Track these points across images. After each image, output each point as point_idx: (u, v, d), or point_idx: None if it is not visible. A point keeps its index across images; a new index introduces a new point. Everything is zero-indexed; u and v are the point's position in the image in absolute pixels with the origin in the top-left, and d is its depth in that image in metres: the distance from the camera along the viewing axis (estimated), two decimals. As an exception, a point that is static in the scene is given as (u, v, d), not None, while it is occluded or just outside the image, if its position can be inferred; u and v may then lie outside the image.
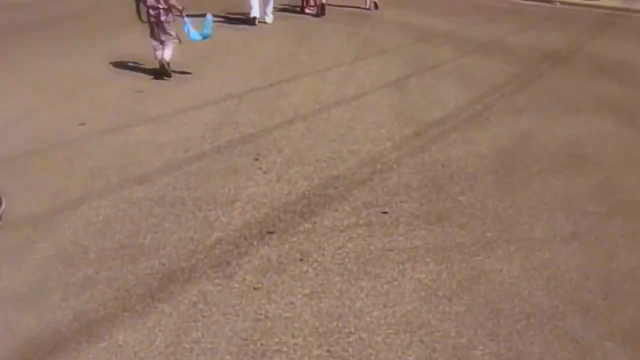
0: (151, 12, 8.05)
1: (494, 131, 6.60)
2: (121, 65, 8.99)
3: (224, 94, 7.58)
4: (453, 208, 4.82)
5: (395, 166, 5.55)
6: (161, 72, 8.15)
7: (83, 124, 6.28)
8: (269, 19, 13.11)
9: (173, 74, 8.25)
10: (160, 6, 8.02)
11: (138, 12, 8.14)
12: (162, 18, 8.04)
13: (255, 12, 12.79)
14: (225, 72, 8.76)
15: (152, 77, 8.22)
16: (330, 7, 15.25)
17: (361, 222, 4.53)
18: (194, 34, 8.38)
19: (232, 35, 11.70)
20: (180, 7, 8.18)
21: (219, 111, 6.89)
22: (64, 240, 4.12)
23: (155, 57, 8.17)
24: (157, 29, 8.09)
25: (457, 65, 9.66)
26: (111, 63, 9.08)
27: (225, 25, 12.81)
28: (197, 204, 4.66)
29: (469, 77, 8.90)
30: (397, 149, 5.96)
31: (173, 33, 8.15)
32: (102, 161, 5.37)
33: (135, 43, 10.41)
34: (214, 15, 10.46)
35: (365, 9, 16.32)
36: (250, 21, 12.58)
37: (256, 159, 5.55)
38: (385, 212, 4.67)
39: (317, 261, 4.01)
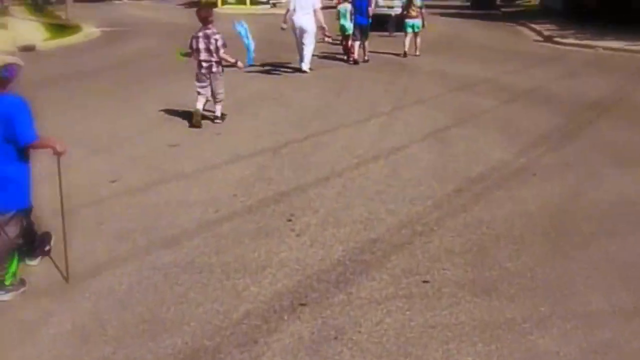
0: (204, 64, 8.26)
1: (541, 188, 6.15)
2: (157, 117, 8.87)
3: (259, 147, 7.33)
4: (500, 277, 4.38)
5: (436, 228, 5.15)
6: (194, 121, 8.23)
7: (115, 181, 6.07)
8: (305, 66, 13.01)
9: (208, 124, 8.11)
10: (213, 59, 8.23)
11: (188, 54, 8.46)
12: (214, 70, 8.27)
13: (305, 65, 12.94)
14: (260, 123, 8.54)
15: (188, 125, 8.09)
16: (370, 53, 15.16)
17: (400, 292, 4.12)
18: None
19: (268, 85, 11.57)
20: (232, 60, 8.42)
21: (253, 166, 6.62)
22: (82, 313, 3.81)
23: (197, 100, 8.32)
24: (209, 82, 8.32)
25: (499, 115, 9.26)
26: (147, 115, 8.97)
27: (262, 75, 12.72)
28: (225, 271, 4.33)
29: (512, 127, 8.49)
30: (437, 208, 5.56)
31: (223, 89, 8.42)
32: (131, 222, 5.11)
33: (171, 95, 10.36)
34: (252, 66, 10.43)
35: (403, 55, 16.21)
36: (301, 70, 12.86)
37: (289, 220, 5.22)
38: (426, 282, 4.26)
39: (352, 340, 3.61)
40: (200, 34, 8.23)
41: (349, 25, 14.22)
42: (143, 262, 4.42)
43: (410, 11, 15.79)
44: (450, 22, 31.41)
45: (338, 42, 15.83)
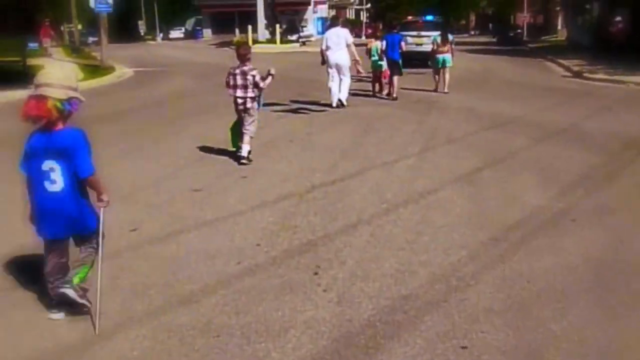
0: (239, 100, 8.33)
1: (582, 236, 5.68)
2: (185, 159, 8.64)
3: (285, 191, 7.00)
4: (546, 341, 3.92)
5: (472, 282, 4.72)
6: (242, 159, 8.35)
7: (135, 229, 5.78)
8: (344, 98, 13.13)
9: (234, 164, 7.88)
10: (248, 95, 8.28)
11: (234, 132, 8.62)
12: (248, 105, 8.31)
13: (334, 99, 13.08)
14: (287, 165, 8.24)
15: (213, 175, 7.82)
16: (400, 90, 14.92)
17: (436, 360, 3.70)
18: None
19: (295, 125, 11.32)
20: (269, 81, 8.38)
21: (278, 213, 6.28)
22: (90, 384, 3.48)
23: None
24: (243, 118, 8.38)
25: (533, 155, 8.82)
26: (175, 157, 8.75)
27: (289, 114, 12.50)
28: (245, 334, 3.95)
29: (547, 168, 8.04)
30: (473, 260, 5.13)
31: (254, 126, 8.45)
32: (148, 277, 4.78)
33: (201, 135, 10.17)
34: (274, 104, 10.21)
35: (434, 89, 16.12)
36: (331, 105, 12.98)
37: (315, 273, 4.84)
38: (464, 347, 3.82)
39: (383, 418, 3.20)
40: (237, 70, 8.28)
41: (380, 62, 14.56)
42: (158, 324, 4.07)
43: (441, 46, 15.83)
44: (477, 59, 31.12)
45: (369, 79, 15.80)
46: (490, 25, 78.21)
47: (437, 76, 15.94)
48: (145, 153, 9.15)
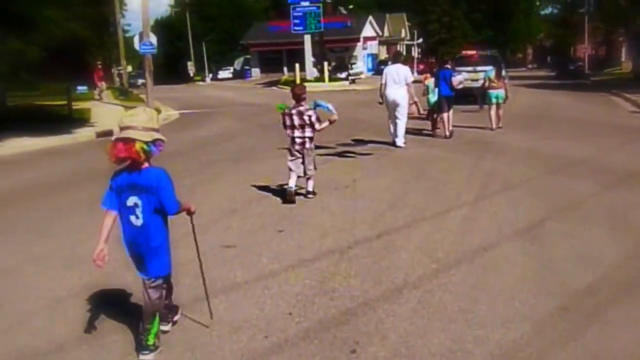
0: (297, 140, 8.44)
1: (669, 305, 5.00)
2: (222, 208, 8.30)
3: (323, 248, 6.53)
4: None
5: (538, 365, 4.11)
6: (288, 198, 8.44)
7: (157, 294, 5.40)
8: (400, 141, 13.14)
9: (278, 214, 7.46)
10: (306, 135, 8.43)
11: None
12: (307, 146, 8.46)
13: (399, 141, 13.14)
14: (327, 217, 7.78)
15: (281, 202, 7.51)
16: (454, 128, 14.43)
17: None
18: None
19: (340, 171, 10.90)
20: (327, 123, 8.55)
21: (315, 274, 5.80)
22: None
23: (289, 177, 8.55)
24: (302, 158, 8.49)
25: (603, 204, 8.11)
26: (212, 205, 8.42)
27: (335, 158, 12.11)
28: None
29: (621, 220, 7.33)
30: (537, 334, 4.51)
31: (313, 165, 8.65)
32: (166, 355, 4.35)
33: (243, 180, 9.86)
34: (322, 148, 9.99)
35: (491, 129, 15.78)
36: (394, 144, 13.12)
37: (353, 351, 4.32)
38: None
39: None
40: (294, 111, 8.41)
41: (435, 99, 14.70)
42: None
43: (493, 82, 15.87)
44: (536, 94, 30.30)
45: (424, 116, 15.77)
46: (549, 58, 76.97)
47: (492, 113, 15.84)
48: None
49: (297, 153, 8.46)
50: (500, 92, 15.73)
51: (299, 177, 8.59)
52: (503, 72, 15.98)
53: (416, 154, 12.49)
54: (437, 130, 15.02)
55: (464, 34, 73.84)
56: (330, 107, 8.51)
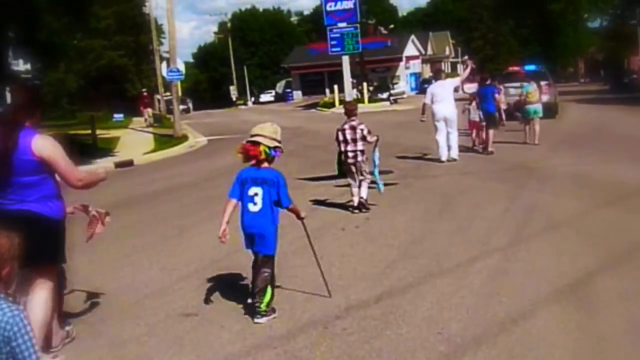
0: (350, 154, 8.77)
1: None
2: (191, 266, 6.91)
3: (304, 318, 5.05)
4: None
5: None
6: (360, 207, 8.82)
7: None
8: (454, 153, 13.17)
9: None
10: (358, 148, 8.73)
11: (339, 162, 9.01)
12: (359, 158, 8.76)
13: (443, 154, 13.05)
14: (320, 272, 6.28)
15: (219, 289, 6.03)
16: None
17: None
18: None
19: (346, 211, 9.36)
20: (374, 138, 8.84)
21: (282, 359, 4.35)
22: None
23: (352, 194, 8.96)
24: (354, 171, 8.83)
25: (673, 250, 6.40)
26: (178, 261, 7.04)
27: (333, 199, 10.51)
28: None
29: (698, 274, 5.62)
30: None
31: (368, 171, 8.93)
32: None
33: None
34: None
35: (523, 143, 15.37)
36: (440, 160, 13.05)
37: None
38: None
39: None
40: (346, 126, 8.82)
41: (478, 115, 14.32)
42: None
43: (530, 96, 15.52)
44: (588, 109, 28.14)
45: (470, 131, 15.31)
46: (602, 71, 73.64)
47: (527, 127, 15.60)
48: (151, 253, 7.51)
49: (352, 167, 8.80)
50: (538, 107, 15.45)
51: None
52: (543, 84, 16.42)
53: (446, 183, 10.90)
54: (487, 146, 14.46)
55: (510, 50, 71.46)
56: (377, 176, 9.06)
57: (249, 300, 5.09)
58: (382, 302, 5.31)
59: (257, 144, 5.02)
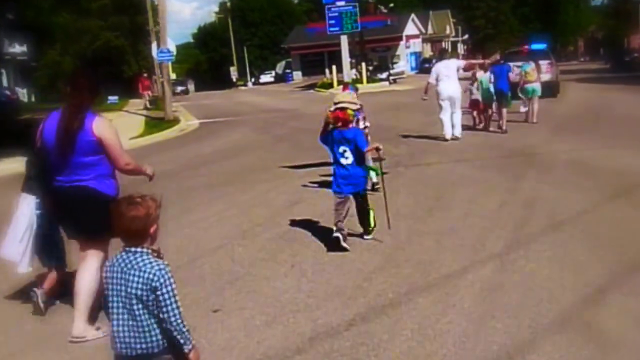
0: (366, 131, 8.05)
1: None
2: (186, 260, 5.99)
3: (260, 350, 4.17)
4: None
5: None
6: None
7: None
8: (458, 132, 13.14)
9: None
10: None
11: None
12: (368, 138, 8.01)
13: (448, 132, 13.04)
14: (290, 284, 5.36)
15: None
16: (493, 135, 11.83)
17: None
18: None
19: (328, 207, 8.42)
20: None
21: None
22: None
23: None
24: None
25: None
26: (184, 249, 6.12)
27: (316, 190, 9.59)
28: None
29: None
30: None
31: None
32: None
33: (238, 208, 7.36)
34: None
35: (524, 121, 15.30)
36: (444, 138, 13.01)
37: None
38: None
39: None
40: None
41: (490, 93, 14.16)
42: None
43: (529, 76, 15.39)
44: (589, 89, 27.02)
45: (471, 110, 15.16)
46: (602, 50, 72.12)
47: (528, 106, 15.56)
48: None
49: None
50: (537, 86, 15.33)
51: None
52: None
53: (438, 173, 9.95)
54: (480, 125, 14.77)
55: (511, 29, 69.91)
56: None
57: (335, 235, 6.12)
58: (354, 328, 4.40)
59: (344, 109, 6.15)
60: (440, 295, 4.91)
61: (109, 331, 2.90)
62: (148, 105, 32.19)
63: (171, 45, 22.32)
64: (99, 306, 4.19)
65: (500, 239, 6.26)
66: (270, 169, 11.28)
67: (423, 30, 65.43)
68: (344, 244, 6.02)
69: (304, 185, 9.33)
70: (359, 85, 35.91)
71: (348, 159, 6.17)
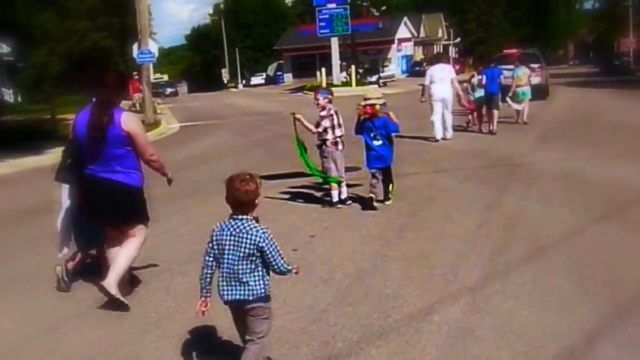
0: (338, 141, 7.83)
1: None
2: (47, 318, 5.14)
3: None
4: None
5: None
6: (343, 201, 8.01)
7: None
8: (449, 134, 13.40)
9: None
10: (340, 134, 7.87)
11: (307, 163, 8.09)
12: (340, 147, 7.85)
13: (438, 133, 13.21)
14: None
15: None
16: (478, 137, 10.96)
17: None
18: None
19: (303, 217, 7.62)
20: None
21: None
22: None
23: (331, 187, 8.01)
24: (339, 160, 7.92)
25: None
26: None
27: (310, 193, 8.82)
28: None
29: None
30: None
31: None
32: None
33: (191, 222, 6.48)
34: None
35: (515, 122, 15.61)
36: (435, 139, 13.17)
37: None
38: None
39: None
40: (332, 111, 7.82)
41: (480, 95, 14.45)
42: None
43: (519, 80, 15.70)
44: (578, 93, 26.27)
45: (469, 110, 15.30)
46: (592, 53, 71.42)
47: (518, 107, 15.79)
48: (24, 282, 5.75)
49: (339, 154, 7.87)
50: (527, 89, 15.77)
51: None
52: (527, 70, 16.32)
53: (416, 184, 9.09)
54: (474, 126, 14.90)
55: (502, 32, 69.10)
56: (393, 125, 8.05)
57: (369, 195, 7.61)
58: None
59: (373, 105, 7.60)
60: (399, 344, 4.06)
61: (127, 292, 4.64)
62: (137, 108, 31.21)
63: (152, 46, 21.41)
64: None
65: (475, 267, 5.42)
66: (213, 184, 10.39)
67: (415, 34, 64.60)
68: (375, 204, 7.52)
69: (268, 197, 8.46)
70: (348, 89, 35.04)
71: (379, 141, 7.65)
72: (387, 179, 7.81)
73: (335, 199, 7.86)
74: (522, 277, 5.11)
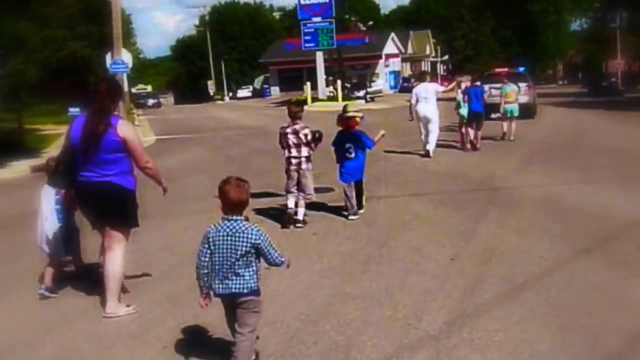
0: (293, 161, 7.86)
1: None
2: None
3: None
4: None
5: None
6: (286, 220, 7.77)
7: None
8: (430, 146, 13.48)
9: None
10: (303, 155, 7.82)
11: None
12: (303, 166, 7.84)
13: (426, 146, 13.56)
14: None
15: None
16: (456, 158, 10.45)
17: None
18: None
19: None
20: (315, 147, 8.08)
21: None
22: None
23: (288, 205, 7.86)
24: (296, 179, 7.87)
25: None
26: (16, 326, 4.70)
27: (273, 219, 8.19)
28: None
29: None
30: None
31: (309, 192, 7.90)
32: None
33: (159, 242, 5.89)
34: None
35: (501, 138, 15.88)
36: (426, 155, 13.44)
37: None
38: None
39: None
40: (289, 129, 7.86)
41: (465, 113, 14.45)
42: None
43: (508, 97, 16.03)
44: (566, 113, 26.00)
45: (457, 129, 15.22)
46: (580, 74, 71.72)
47: (504, 124, 16.12)
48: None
49: (293, 174, 7.86)
50: (515, 107, 16.03)
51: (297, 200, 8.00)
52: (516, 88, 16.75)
53: (389, 210, 8.56)
54: (469, 142, 14.55)
55: (490, 51, 69.24)
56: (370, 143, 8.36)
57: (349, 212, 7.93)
58: None
59: (354, 117, 8.04)
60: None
61: (137, 308, 4.88)
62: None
63: (126, 57, 20.85)
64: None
65: (442, 309, 4.87)
66: (204, 198, 9.75)
67: (403, 50, 64.49)
68: (362, 210, 8.14)
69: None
70: (333, 103, 34.51)
71: (352, 154, 7.97)
72: (359, 190, 8.11)
73: (291, 205, 7.84)
74: (493, 323, 4.57)
